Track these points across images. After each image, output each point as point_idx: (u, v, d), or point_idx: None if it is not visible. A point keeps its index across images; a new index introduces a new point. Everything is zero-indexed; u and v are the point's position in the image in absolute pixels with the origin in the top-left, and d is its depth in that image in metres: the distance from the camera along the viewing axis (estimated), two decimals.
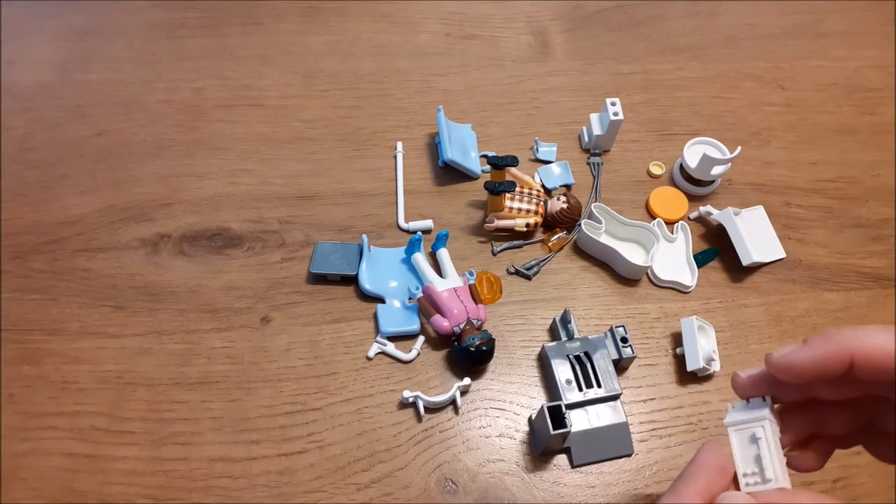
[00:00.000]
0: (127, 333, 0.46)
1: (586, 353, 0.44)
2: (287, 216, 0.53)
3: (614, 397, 0.43)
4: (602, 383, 0.43)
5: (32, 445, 0.42)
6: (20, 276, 0.49)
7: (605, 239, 0.51)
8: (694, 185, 0.55)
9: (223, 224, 0.52)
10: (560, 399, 0.42)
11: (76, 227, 0.52)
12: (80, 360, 0.45)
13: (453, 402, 0.44)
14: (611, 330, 0.45)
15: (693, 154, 0.55)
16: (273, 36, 0.66)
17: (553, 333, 0.47)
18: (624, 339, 0.44)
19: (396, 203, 0.54)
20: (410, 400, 0.43)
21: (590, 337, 0.45)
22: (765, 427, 0.28)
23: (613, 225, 0.52)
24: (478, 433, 0.43)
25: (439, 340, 0.47)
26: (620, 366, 0.45)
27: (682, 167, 0.56)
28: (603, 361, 0.44)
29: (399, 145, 0.58)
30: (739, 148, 0.52)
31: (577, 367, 0.44)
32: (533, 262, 0.51)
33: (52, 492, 0.40)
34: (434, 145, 0.58)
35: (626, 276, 0.50)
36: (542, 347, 0.45)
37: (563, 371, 0.44)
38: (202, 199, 0.54)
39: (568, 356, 0.44)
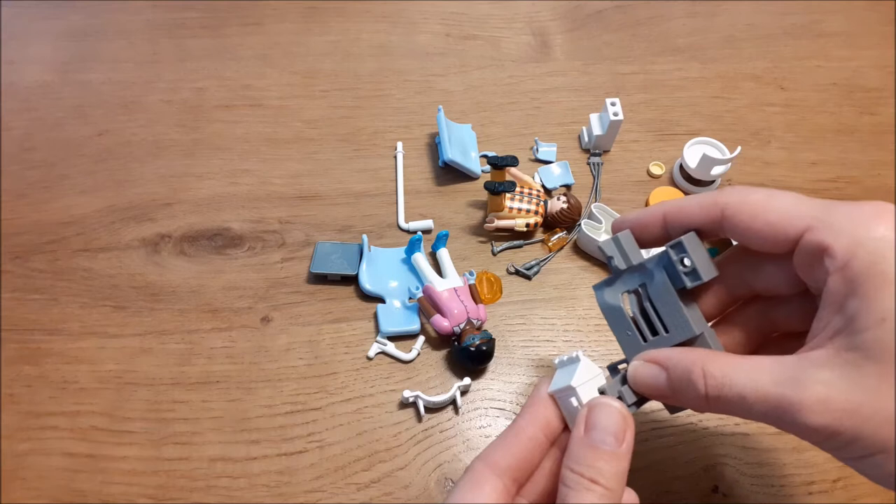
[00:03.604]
0: (127, 333, 0.47)
1: (643, 287, 0.31)
2: (287, 216, 0.53)
3: (688, 342, 0.29)
4: (669, 326, 0.30)
5: (32, 445, 0.42)
6: (20, 276, 0.49)
7: (605, 239, 0.51)
8: (694, 185, 0.55)
9: (224, 224, 0.52)
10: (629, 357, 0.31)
11: (76, 227, 0.52)
12: (80, 359, 0.45)
13: (453, 402, 0.44)
14: (665, 252, 0.30)
15: (693, 154, 0.55)
16: (273, 36, 0.66)
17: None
18: (686, 262, 0.29)
19: (396, 203, 0.54)
20: (410, 400, 0.43)
21: (646, 264, 0.31)
22: (577, 396, 0.28)
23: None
24: (478, 433, 0.43)
25: (439, 340, 0.47)
26: (687, 297, 0.30)
27: (682, 167, 0.56)
28: (664, 293, 0.30)
29: (399, 145, 0.58)
30: (739, 148, 0.52)
31: (637, 308, 0.31)
32: (533, 262, 0.51)
33: (52, 492, 0.40)
34: (434, 145, 0.58)
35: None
36: (593, 289, 0.34)
37: (620, 320, 0.32)
38: (203, 199, 0.54)
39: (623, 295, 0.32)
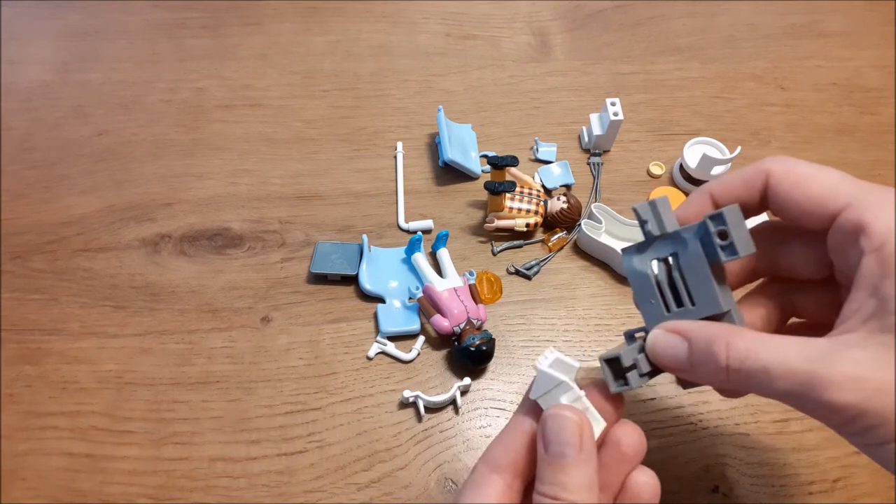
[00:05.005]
0: (127, 333, 0.47)
1: (674, 256, 0.29)
2: (287, 216, 0.53)
3: (713, 318, 0.28)
4: (696, 299, 0.28)
5: (32, 445, 0.42)
6: (20, 276, 0.49)
7: (605, 239, 0.51)
8: (694, 185, 0.55)
9: (224, 224, 0.52)
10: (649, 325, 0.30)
11: (76, 227, 0.52)
12: (80, 359, 0.45)
13: (453, 401, 0.44)
14: (703, 222, 0.28)
15: (693, 154, 0.55)
16: (273, 36, 0.66)
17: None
18: (723, 235, 0.27)
19: (396, 203, 0.54)
20: (410, 400, 0.43)
21: (681, 232, 0.29)
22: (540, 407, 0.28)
23: (613, 225, 0.52)
24: (478, 433, 0.43)
25: (439, 340, 0.47)
26: (718, 272, 0.29)
27: (682, 167, 0.56)
28: (696, 265, 0.28)
29: (399, 145, 0.58)
30: (739, 148, 0.52)
31: (664, 277, 0.30)
32: (533, 262, 0.51)
33: (52, 492, 0.40)
34: (434, 145, 0.58)
35: (626, 276, 0.50)
36: (621, 254, 0.32)
37: (645, 287, 0.30)
38: (203, 199, 0.54)
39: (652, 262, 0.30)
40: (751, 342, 0.25)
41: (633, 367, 0.28)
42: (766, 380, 0.24)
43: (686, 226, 0.29)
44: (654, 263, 0.30)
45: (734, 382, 0.25)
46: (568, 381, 0.28)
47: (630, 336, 0.31)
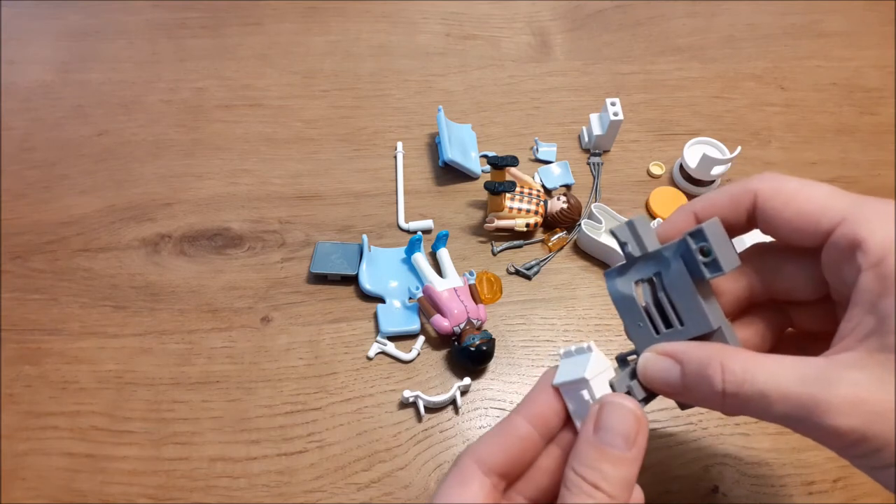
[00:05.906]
0: (127, 333, 0.47)
1: (658, 276, 0.28)
2: (287, 216, 0.53)
3: (704, 337, 0.28)
4: (685, 319, 0.28)
5: (32, 445, 0.42)
6: (20, 276, 0.49)
7: (605, 239, 0.51)
8: (694, 185, 0.55)
9: (224, 224, 0.52)
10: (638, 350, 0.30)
11: (76, 227, 0.52)
12: (80, 359, 0.45)
13: (453, 401, 0.44)
14: (684, 239, 0.27)
15: (693, 154, 0.55)
16: (273, 36, 0.66)
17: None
18: (706, 252, 0.26)
19: (396, 203, 0.54)
20: (410, 400, 0.43)
21: (662, 251, 0.28)
22: (589, 389, 0.27)
23: (613, 225, 0.52)
24: (478, 433, 0.43)
25: (439, 340, 0.47)
26: (704, 289, 0.28)
27: (682, 167, 0.56)
28: (680, 284, 0.27)
29: (399, 145, 0.58)
30: (739, 148, 0.52)
31: (650, 299, 0.29)
32: (533, 262, 0.51)
33: (52, 492, 0.40)
34: (434, 145, 0.58)
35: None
36: (605, 276, 0.31)
37: (632, 310, 0.29)
38: (203, 199, 0.54)
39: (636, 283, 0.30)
40: (746, 364, 0.24)
41: (628, 393, 0.28)
42: (763, 404, 0.23)
43: (667, 244, 0.28)
44: (639, 285, 0.29)
45: (730, 406, 0.24)
46: (612, 370, 0.27)
47: (622, 360, 0.31)
